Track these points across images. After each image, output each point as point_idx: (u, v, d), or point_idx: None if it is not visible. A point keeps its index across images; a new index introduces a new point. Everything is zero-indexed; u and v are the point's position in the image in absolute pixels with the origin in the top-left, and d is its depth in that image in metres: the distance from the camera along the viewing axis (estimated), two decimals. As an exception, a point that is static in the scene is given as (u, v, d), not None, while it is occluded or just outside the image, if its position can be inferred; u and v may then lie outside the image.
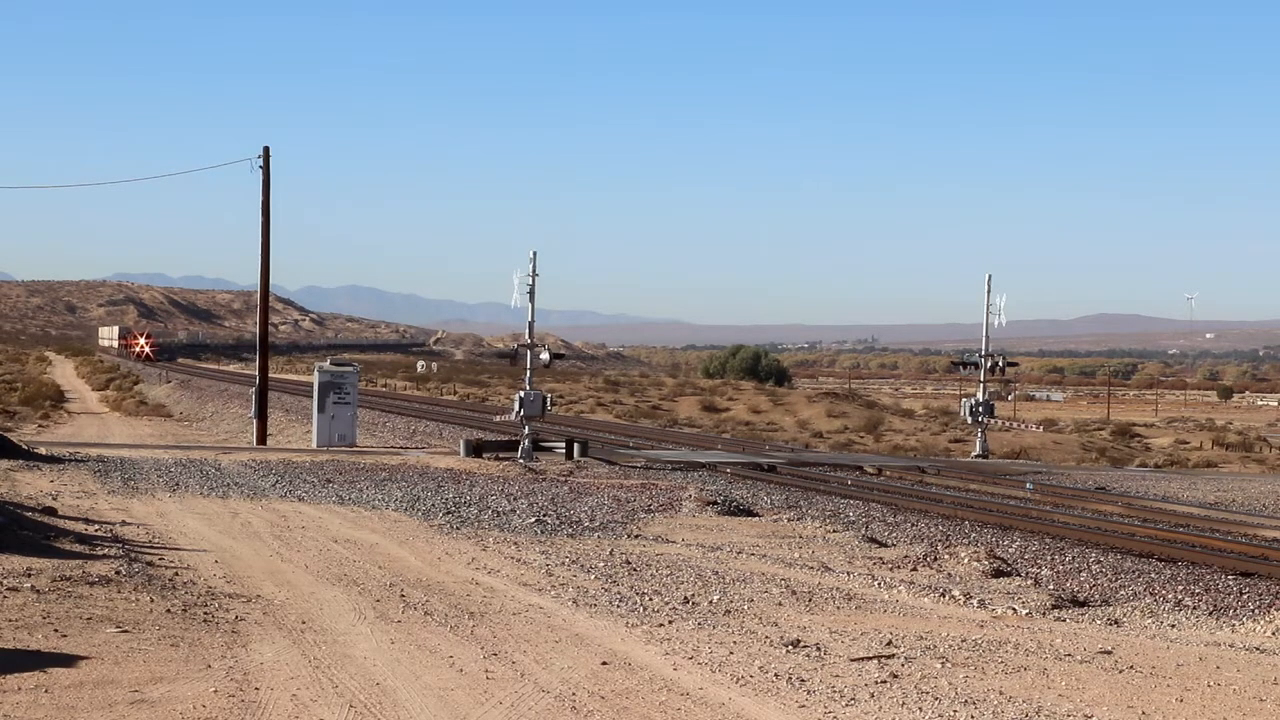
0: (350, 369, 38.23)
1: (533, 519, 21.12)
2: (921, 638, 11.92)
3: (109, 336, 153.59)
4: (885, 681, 10.15)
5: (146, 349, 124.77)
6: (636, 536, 19.96)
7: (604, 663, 10.65)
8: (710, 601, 13.74)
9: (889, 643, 11.62)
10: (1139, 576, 19.77)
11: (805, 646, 11.36)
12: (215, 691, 9.34)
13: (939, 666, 10.71)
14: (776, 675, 10.30)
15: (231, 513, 20.64)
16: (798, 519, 24.21)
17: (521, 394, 35.00)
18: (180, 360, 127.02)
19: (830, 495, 29.55)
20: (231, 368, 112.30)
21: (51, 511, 18.84)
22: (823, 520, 24.41)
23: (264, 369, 39.80)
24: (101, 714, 8.74)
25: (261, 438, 38.43)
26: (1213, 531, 25.12)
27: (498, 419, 40.45)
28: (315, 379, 37.55)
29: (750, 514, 24.65)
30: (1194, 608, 17.18)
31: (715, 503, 24.90)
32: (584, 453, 35.55)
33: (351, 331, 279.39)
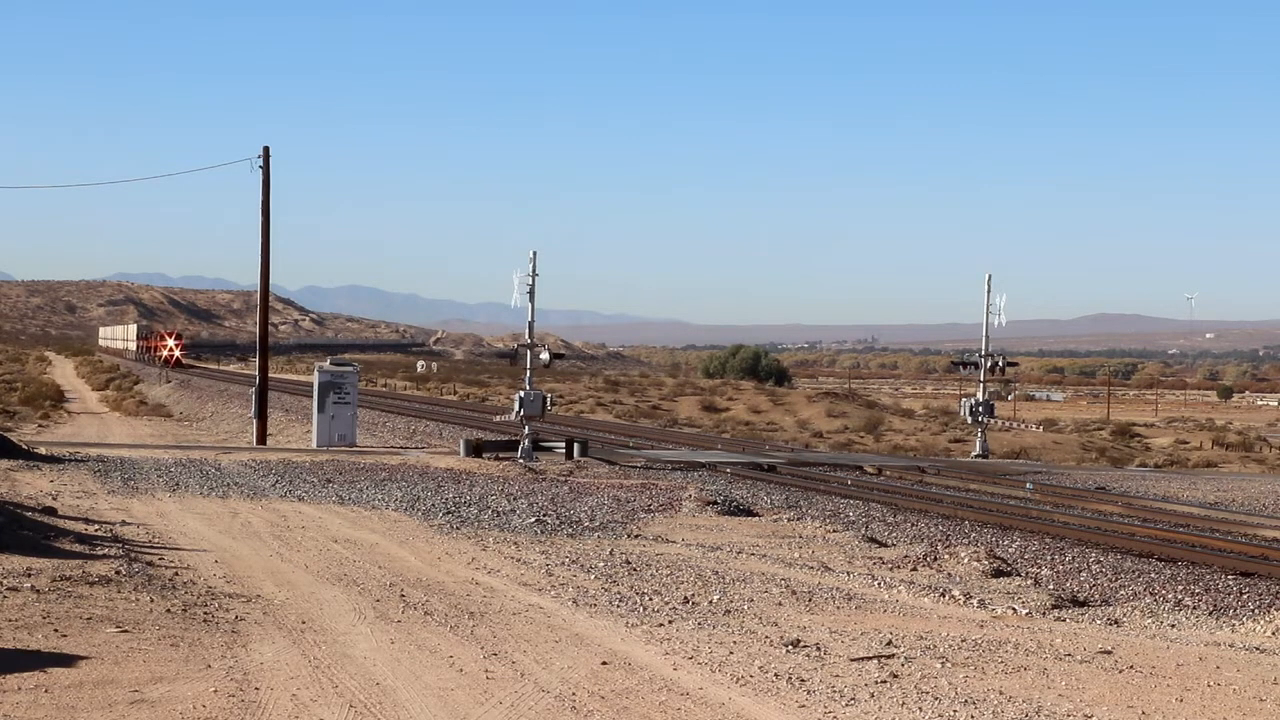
0: (350, 369, 38.22)
1: (533, 519, 21.12)
2: (921, 638, 11.92)
3: (123, 337, 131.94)
4: (885, 681, 10.15)
5: (176, 353, 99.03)
6: (636, 536, 19.97)
7: (604, 663, 10.66)
8: (710, 601, 13.75)
9: (889, 643, 11.62)
10: (1139, 576, 19.78)
11: (805, 646, 11.36)
12: (215, 691, 9.34)
13: (939, 666, 10.71)
14: (776, 675, 10.31)
15: (231, 513, 20.64)
16: (798, 519, 24.21)
17: (521, 394, 35.00)
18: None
19: (830, 495, 29.54)
20: (231, 368, 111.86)
21: (51, 511, 18.84)
22: (823, 520, 24.41)
23: (264, 369, 39.80)
24: (101, 714, 8.74)
25: (261, 438, 38.43)
26: (1213, 531, 25.12)
27: (498, 419, 40.44)
28: (315, 379, 37.56)
29: (750, 514, 24.65)
30: (1194, 608, 17.19)
31: (715, 503, 24.90)
32: (584, 453, 35.55)
33: (351, 331, 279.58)
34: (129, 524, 18.59)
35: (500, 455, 34.19)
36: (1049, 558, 21.36)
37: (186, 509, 21.00)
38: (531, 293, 34.53)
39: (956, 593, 15.22)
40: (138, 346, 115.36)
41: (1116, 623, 14.79)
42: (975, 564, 18.07)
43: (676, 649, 11.25)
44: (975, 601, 14.81)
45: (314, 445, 36.25)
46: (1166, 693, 10.09)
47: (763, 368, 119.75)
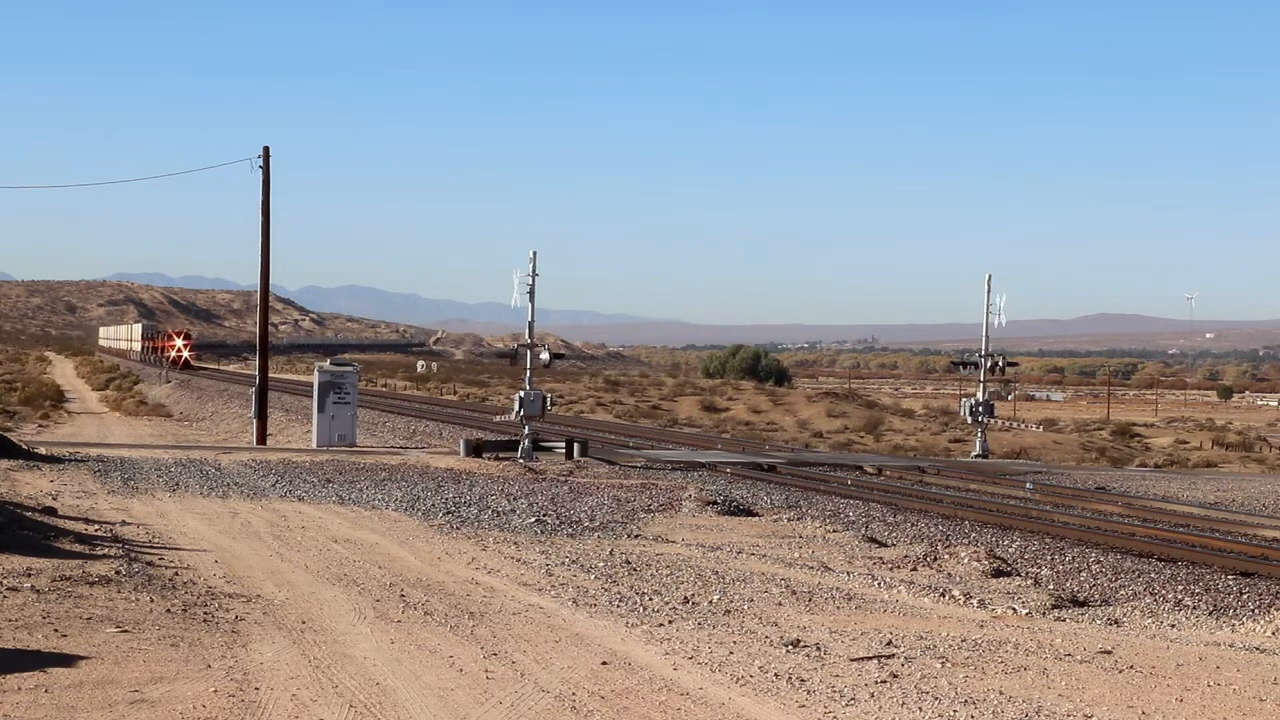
0: (350, 369, 38.21)
1: (533, 519, 21.12)
2: (921, 638, 11.92)
3: (127, 337, 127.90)
4: (885, 681, 10.15)
5: (185, 354, 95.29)
6: (636, 536, 19.97)
7: (604, 663, 10.66)
8: (710, 601, 13.75)
9: (889, 643, 11.62)
10: (1139, 576, 19.78)
11: (805, 646, 11.36)
12: (215, 691, 9.34)
13: (939, 666, 10.71)
14: (776, 675, 10.31)
15: (231, 512, 20.64)
16: (798, 519, 24.21)
17: (521, 394, 34.99)
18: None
19: (830, 495, 29.54)
20: (231, 367, 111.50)
21: (51, 511, 18.84)
22: (823, 520, 24.41)
23: (264, 369, 39.80)
24: (101, 714, 8.74)
25: (261, 438, 38.42)
26: (1213, 531, 25.12)
27: (498, 419, 40.44)
28: (315, 379, 37.55)
29: (750, 514, 24.65)
30: (1194, 608, 17.19)
31: (715, 503, 24.89)
32: (584, 453, 35.54)
33: (351, 331, 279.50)
34: (129, 524, 18.58)
35: (500, 455, 34.18)
36: (1049, 558, 21.35)
37: (186, 509, 21.00)
38: (531, 293, 34.52)
39: (956, 593, 15.22)
40: (143, 347, 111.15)
41: (1116, 623, 14.80)
42: (975, 564, 18.07)
43: (676, 649, 11.25)
44: (975, 601, 14.81)
45: (314, 445, 36.24)
46: (1166, 693, 10.09)
47: (763, 368, 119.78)
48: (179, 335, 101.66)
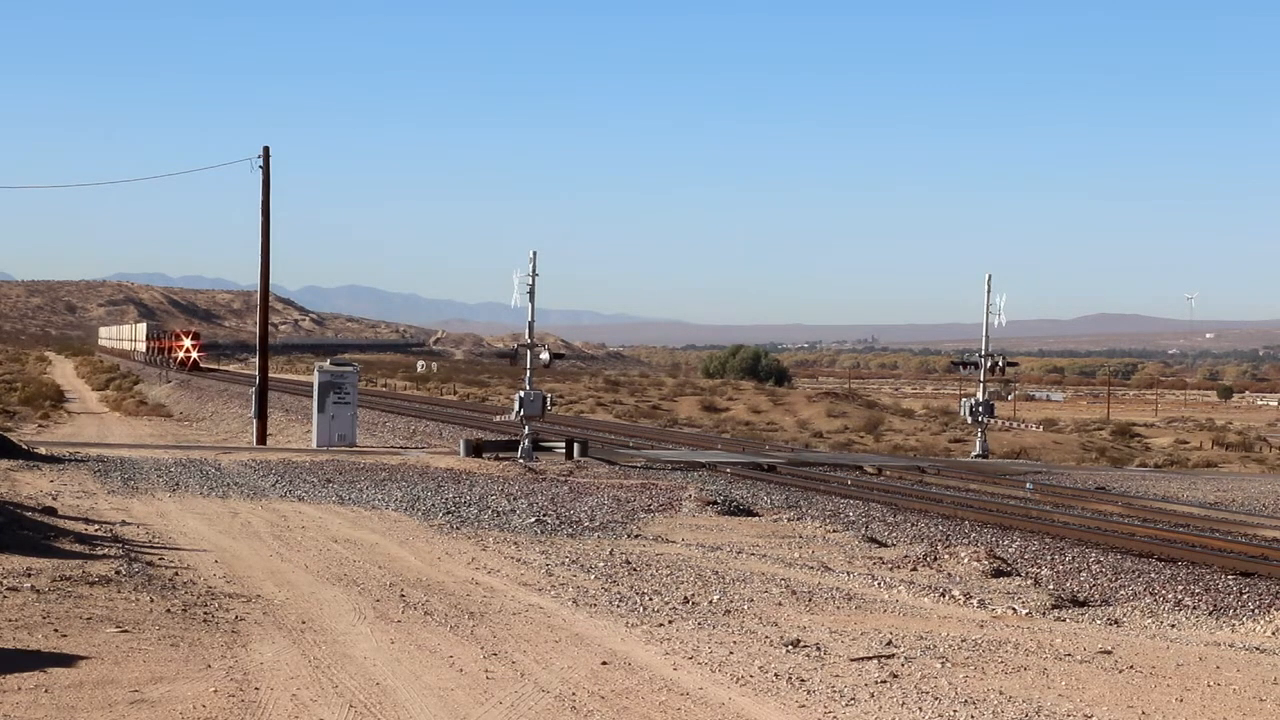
0: (350, 369, 38.22)
1: (533, 519, 21.12)
2: (921, 638, 11.92)
3: (130, 337, 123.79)
4: (885, 681, 10.16)
5: (194, 355, 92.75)
6: (636, 536, 19.97)
7: (604, 663, 10.66)
8: (710, 601, 13.75)
9: (889, 643, 11.63)
10: (1139, 576, 19.78)
11: (805, 646, 11.36)
12: (215, 691, 9.34)
13: (939, 666, 10.72)
14: (776, 675, 10.31)
15: (231, 513, 20.64)
16: (798, 519, 24.21)
17: (521, 394, 35.00)
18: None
19: (830, 495, 29.54)
20: (231, 368, 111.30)
21: (51, 511, 18.84)
22: (823, 520, 24.41)
23: (264, 369, 39.81)
24: (101, 714, 8.74)
25: (261, 438, 38.43)
26: (1213, 531, 25.13)
27: (498, 419, 40.44)
28: (315, 379, 37.56)
29: (750, 514, 24.65)
30: (1194, 608, 17.20)
31: (715, 503, 24.90)
32: (584, 453, 35.55)
33: (351, 331, 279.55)
34: (129, 524, 18.59)
35: (500, 455, 34.18)
36: (1049, 558, 21.36)
37: (186, 509, 21.00)
38: (531, 293, 34.52)
39: (956, 593, 15.23)
40: (148, 347, 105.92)
41: (1116, 623, 14.80)
42: (975, 564, 18.07)
43: (676, 649, 11.25)
44: (975, 601, 14.81)
45: (314, 445, 36.24)
46: (1166, 693, 10.10)
47: (763, 368, 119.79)
48: (188, 335, 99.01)
